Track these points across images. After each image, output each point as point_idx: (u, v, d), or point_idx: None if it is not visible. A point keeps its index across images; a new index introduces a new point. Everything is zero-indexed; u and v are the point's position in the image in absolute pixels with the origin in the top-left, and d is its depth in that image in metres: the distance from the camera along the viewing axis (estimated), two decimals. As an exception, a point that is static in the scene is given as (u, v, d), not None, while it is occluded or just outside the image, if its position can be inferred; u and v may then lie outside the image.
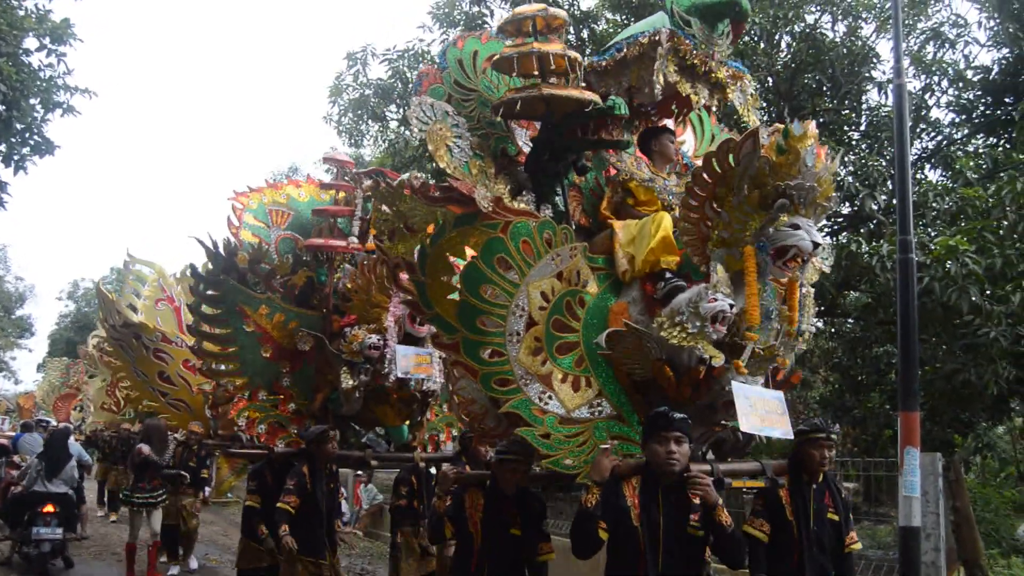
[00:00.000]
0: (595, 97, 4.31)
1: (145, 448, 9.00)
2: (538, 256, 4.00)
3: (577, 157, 4.47)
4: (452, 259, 4.00)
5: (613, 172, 4.72)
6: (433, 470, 6.82)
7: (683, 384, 3.98)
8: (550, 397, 4.01)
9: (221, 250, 6.77)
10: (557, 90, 4.21)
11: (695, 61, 4.50)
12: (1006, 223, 9.71)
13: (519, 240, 3.95)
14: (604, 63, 4.64)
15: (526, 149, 4.70)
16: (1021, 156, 10.84)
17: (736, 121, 10.55)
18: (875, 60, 12.85)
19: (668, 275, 4.17)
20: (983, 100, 12.67)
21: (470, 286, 3.90)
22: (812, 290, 4.24)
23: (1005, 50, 12.78)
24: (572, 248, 4.13)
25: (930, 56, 12.83)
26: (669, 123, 5.10)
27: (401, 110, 16.04)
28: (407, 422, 7.02)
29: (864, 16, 13.07)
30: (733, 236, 3.98)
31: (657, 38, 4.39)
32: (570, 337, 4.12)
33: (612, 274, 4.36)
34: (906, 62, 11.94)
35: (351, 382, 6.53)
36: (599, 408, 4.10)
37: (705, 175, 3.99)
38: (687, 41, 4.46)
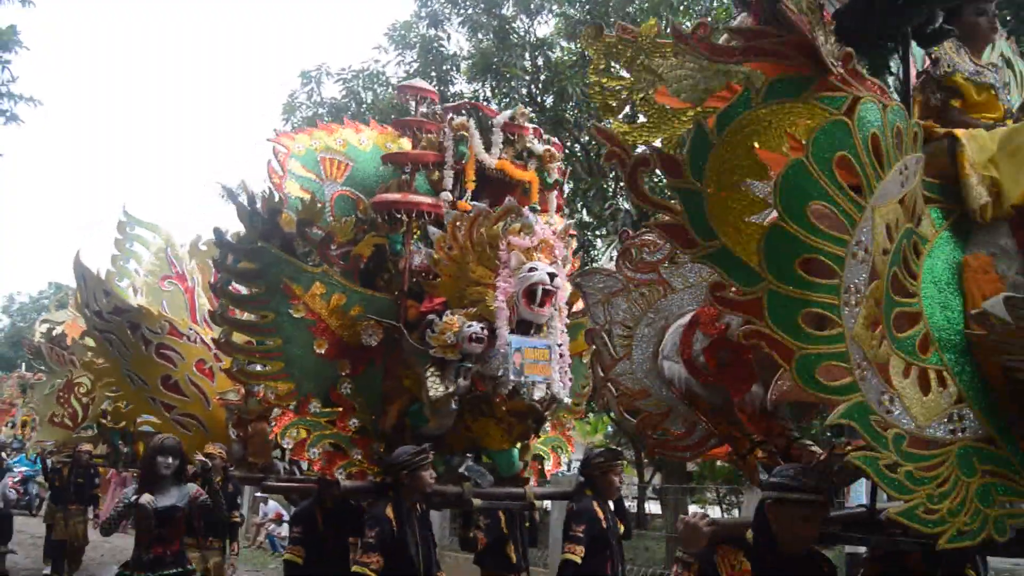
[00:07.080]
0: None
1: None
2: (888, 163, 2.39)
3: (931, 15, 2.84)
4: (761, 153, 2.34)
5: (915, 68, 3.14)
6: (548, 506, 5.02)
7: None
8: (892, 401, 2.38)
9: (259, 207, 4.74)
10: None
11: None
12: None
13: (868, 132, 2.34)
14: None
15: (828, 8, 3.08)
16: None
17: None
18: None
19: (1071, 212, 2.60)
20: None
21: (791, 201, 2.24)
22: None
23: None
24: (918, 160, 2.54)
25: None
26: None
27: (355, 130, 15.52)
28: (518, 444, 5.06)
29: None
30: None
31: None
32: (911, 304, 2.51)
33: (954, 210, 2.76)
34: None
35: (442, 388, 4.60)
36: (961, 424, 2.47)
37: None
38: None
